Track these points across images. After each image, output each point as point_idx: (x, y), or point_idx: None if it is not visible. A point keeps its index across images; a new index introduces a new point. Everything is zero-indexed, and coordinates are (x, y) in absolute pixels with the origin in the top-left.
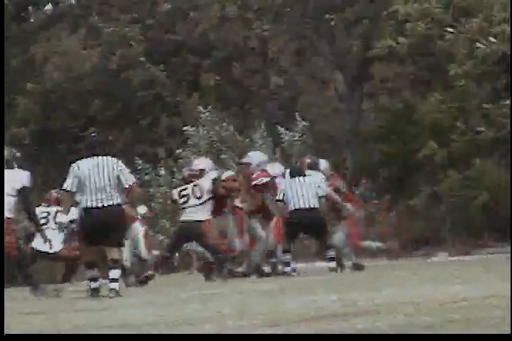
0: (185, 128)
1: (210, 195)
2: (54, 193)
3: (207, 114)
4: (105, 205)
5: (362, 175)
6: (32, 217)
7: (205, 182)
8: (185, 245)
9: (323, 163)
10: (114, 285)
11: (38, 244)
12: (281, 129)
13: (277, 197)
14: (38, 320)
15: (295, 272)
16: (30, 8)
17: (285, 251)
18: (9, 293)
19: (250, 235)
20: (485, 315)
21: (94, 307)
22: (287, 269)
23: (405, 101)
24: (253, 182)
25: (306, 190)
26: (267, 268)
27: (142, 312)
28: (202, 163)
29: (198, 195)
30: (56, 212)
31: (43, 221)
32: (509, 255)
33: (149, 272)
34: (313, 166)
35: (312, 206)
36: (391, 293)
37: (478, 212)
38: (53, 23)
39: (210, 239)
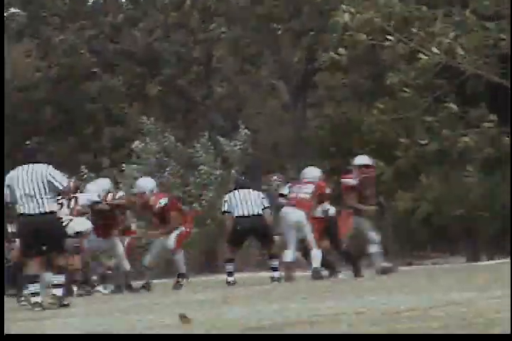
0: (133, 142)
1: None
2: None
3: (149, 124)
4: (37, 213)
5: None
6: None
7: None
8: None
9: (314, 172)
10: (57, 291)
11: None
12: (223, 139)
13: (222, 209)
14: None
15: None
16: None
17: (228, 261)
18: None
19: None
20: (426, 325)
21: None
22: (230, 279)
23: (349, 112)
24: (157, 206)
25: (251, 199)
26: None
27: (85, 321)
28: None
29: None
30: None
31: None
32: (449, 265)
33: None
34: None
35: (256, 213)
36: (334, 304)
37: (420, 224)
38: None
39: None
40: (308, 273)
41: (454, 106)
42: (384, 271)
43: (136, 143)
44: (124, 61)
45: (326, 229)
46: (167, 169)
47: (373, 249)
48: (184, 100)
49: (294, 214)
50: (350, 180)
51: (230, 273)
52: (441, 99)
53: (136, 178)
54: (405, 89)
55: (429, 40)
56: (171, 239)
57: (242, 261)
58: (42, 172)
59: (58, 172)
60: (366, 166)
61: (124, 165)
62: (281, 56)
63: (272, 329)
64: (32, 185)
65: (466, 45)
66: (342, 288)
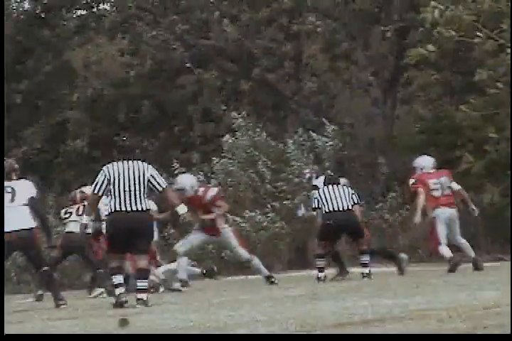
0: (223, 137)
1: None
2: (78, 193)
3: (240, 120)
4: (133, 209)
5: (396, 181)
6: (45, 227)
7: None
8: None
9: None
10: (142, 295)
11: None
12: (314, 135)
13: (313, 206)
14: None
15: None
16: (62, 12)
17: (319, 256)
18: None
19: None
20: None
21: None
22: (321, 274)
23: (442, 109)
24: (206, 200)
25: (341, 194)
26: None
27: (175, 317)
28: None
29: None
30: (78, 209)
31: (66, 219)
32: None
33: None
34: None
35: (347, 208)
36: (424, 300)
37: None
38: (88, 28)
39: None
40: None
41: None
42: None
43: (227, 137)
44: (216, 57)
45: None
46: (258, 164)
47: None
48: (274, 96)
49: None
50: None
51: (320, 269)
52: None
53: (227, 173)
54: (496, 84)
55: None
56: (239, 250)
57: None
58: (143, 170)
59: (157, 172)
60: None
61: (215, 160)
62: (372, 52)
63: (362, 325)
64: (132, 181)
65: None
66: (433, 282)
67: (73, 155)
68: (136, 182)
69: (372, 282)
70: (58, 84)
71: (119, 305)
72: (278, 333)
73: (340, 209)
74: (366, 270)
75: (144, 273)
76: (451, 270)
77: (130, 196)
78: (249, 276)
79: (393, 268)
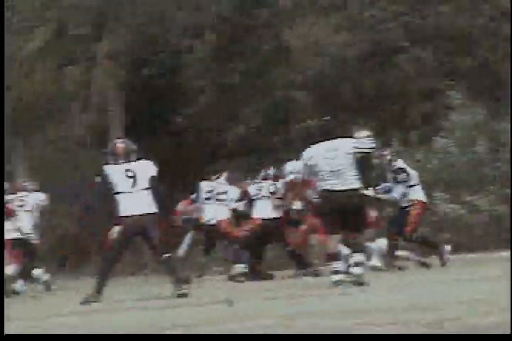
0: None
1: None
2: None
3: (459, 100)
4: (344, 189)
5: None
6: (162, 206)
7: None
8: None
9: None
10: (357, 269)
11: None
12: None
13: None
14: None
15: None
16: None
17: None
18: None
19: None
20: None
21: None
22: None
23: None
24: None
25: None
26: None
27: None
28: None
29: None
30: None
31: (207, 195)
32: None
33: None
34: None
35: None
36: (422, 298)
37: None
38: (303, 7)
39: None
40: None
41: None
42: None
43: (446, 117)
44: (432, 36)
45: None
46: (479, 144)
47: None
48: (492, 76)
49: None
50: None
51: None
52: None
53: (448, 153)
54: None
55: None
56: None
57: None
58: (350, 147)
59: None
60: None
61: (434, 139)
62: None
63: None
64: (338, 161)
65: None
66: (430, 279)
67: (297, 136)
68: (339, 160)
69: None
70: (276, 64)
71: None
72: None
73: None
74: None
75: (357, 247)
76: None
77: (339, 176)
78: None
79: None
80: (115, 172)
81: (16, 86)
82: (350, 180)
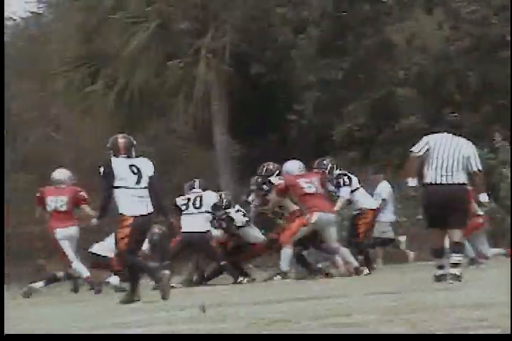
0: None
1: None
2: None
3: None
4: (449, 183)
5: None
6: (160, 207)
7: None
8: None
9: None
10: (455, 270)
11: None
12: None
13: None
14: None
15: None
16: None
17: None
18: None
19: None
20: None
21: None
22: None
23: None
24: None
25: None
26: None
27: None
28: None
29: None
30: (197, 197)
31: (182, 207)
32: None
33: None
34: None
35: None
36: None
37: None
38: (405, 2)
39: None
40: None
41: None
42: None
43: None
44: None
45: None
46: None
47: None
48: None
49: None
50: None
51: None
52: None
53: None
54: None
55: None
56: None
57: None
58: (462, 147)
59: (476, 153)
60: None
61: None
62: None
63: None
64: (451, 155)
65: None
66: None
67: (402, 132)
68: (452, 156)
69: None
70: (379, 60)
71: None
72: None
73: None
74: None
75: (458, 247)
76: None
77: (446, 169)
78: None
79: None
80: (121, 166)
81: (120, 81)
82: (458, 175)
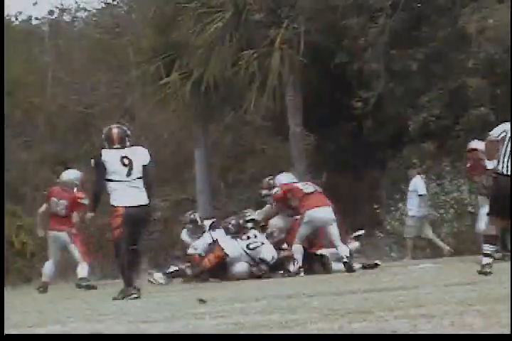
0: None
1: None
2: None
3: None
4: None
5: None
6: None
7: None
8: None
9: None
10: (486, 259)
11: None
12: None
13: None
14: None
15: None
16: None
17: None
18: None
19: None
20: None
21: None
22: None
23: None
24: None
25: None
26: None
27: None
28: None
29: None
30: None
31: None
32: None
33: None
34: None
35: None
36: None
37: None
38: None
39: None
40: None
41: None
42: None
43: None
44: None
45: None
46: None
47: None
48: None
49: None
50: None
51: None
52: None
53: None
54: None
55: None
56: None
57: None
58: None
59: None
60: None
61: None
62: None
63: None
64: None
65: None
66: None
67: (475, 122)
68: None
69: None
70: (453, 51)
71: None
72: None
73: None
74: None
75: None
76: None
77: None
78: None
79: None
80: (112, 158)
81: (195, 72)
82: None
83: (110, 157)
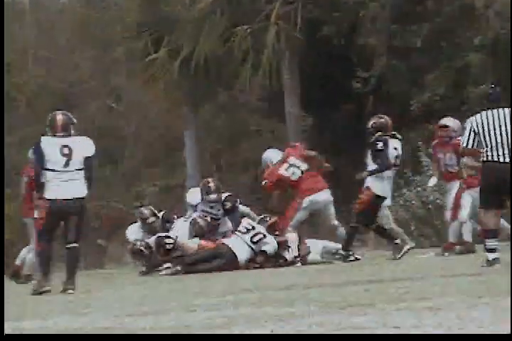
0: None
1: None
2: None
3: None
4: (505, 161)
5: None
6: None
7: None
8: None
9: None
10: (491, 255)
11: None
12: None
13: None
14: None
15: None
16: None
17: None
18: None
19: None
20: None
21: None
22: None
23: None
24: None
25: None
26: None
27: None
28: None
29: None
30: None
31: None
32: None
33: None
34: None
35: None
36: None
37: None
38: None
39: None
40: None
41: None
42: None
43: None
44: None
45: None
46: None
47: None
48: None
49: None
50: None
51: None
52: None
53: None
54: None
55: None
56: None
57: None
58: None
59: None
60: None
61: None
62: None
63: None
64: (505, 131)
65: None
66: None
67: (478, 102)
68: (504, 132)
69: None
70: (459, 26)
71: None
72: None
73: None
74: None
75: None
76: None
77: (502, 147)
78: None
79: None
80: (51, 146)
81: (184, 49)
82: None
83: (50, 145)
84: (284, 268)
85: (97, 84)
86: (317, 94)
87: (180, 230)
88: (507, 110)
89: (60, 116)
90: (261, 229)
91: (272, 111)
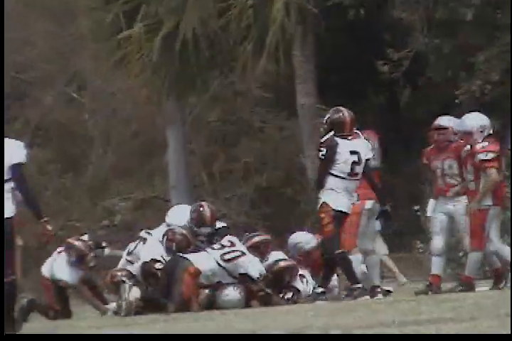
0: None
1: None
2: None
3: None
4: None
5: None
6: (32, 205)
7: None
8: None
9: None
10: None
11: None
12: None
13: None
14: None
15: None
16: None
17: None
18: None
19: None
20: None
21: None
22: None
23: None
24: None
25: None
26: None
27: None
28: None
29: None
30: None
31: None
32: None
33: None
34: None
35: None
36: None
37: None
38: None
39: None
40: None
41: None
42: None
43: None
44: None
45: None
46: None
47: None
48: None
49: None
50: None
51: None
52: None
53: None
54: None
55: None
56: None
57: None
58: None
59: None
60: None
61: None
62: None
63: None
64: None
65: None
66: None
67: None
68: None
69: None
70: None
71: None
72: None
73: None
74: None
75: None
76: None
77: None
78: None
79: None
80: None
81: (167, 23)
82: None
83: None
84: (296, 305)
85: (53, 68)
86: (337, 80)
87: (152, 248)
88: None
89: None
90: (242, 248)
91: (279, 102)
